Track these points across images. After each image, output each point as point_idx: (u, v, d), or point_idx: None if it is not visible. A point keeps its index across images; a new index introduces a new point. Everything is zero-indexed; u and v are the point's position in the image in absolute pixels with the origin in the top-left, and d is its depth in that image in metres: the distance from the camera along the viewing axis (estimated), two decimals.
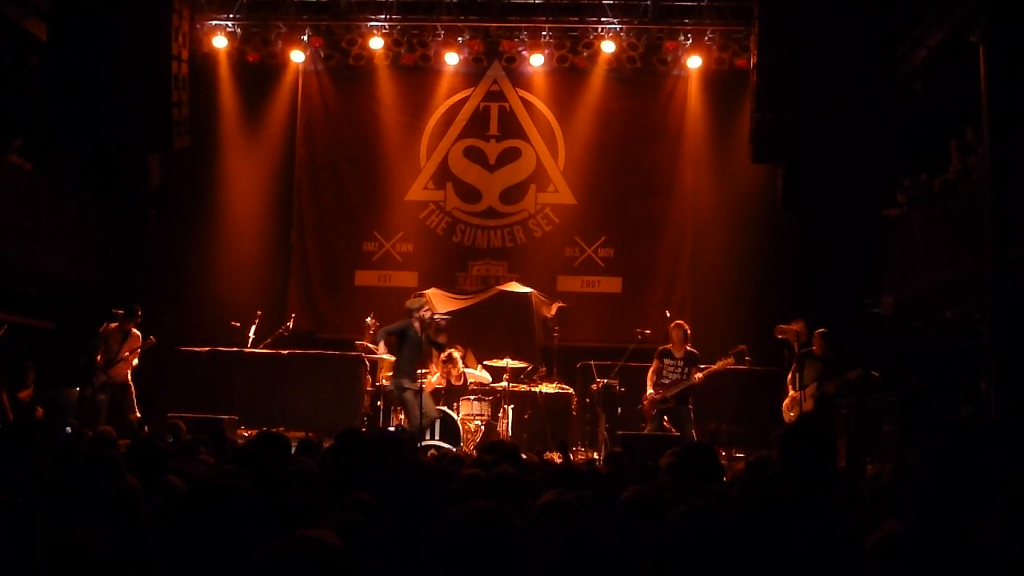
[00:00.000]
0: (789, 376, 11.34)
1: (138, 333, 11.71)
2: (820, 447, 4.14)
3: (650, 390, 11.60)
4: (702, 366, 11.50)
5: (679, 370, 11.54)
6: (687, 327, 11.80)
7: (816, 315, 11.62)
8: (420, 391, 11.15)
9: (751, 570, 3.06)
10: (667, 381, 11.52)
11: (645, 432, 11.39)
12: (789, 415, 11.24)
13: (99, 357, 11.54)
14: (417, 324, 11.07)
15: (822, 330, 11.18)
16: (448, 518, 2.45)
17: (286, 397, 13.46)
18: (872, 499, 5.17)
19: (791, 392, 11.30)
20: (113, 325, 11.66)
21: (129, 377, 11.63)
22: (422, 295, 12.51)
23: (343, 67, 15.52)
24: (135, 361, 11.70)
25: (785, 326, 11.69)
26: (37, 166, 12.50)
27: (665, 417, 11.53)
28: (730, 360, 11.50)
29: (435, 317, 11.06)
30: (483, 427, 12.05)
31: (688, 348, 11.61)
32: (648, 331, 12.65)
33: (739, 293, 14.26)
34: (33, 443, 5.81)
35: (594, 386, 12.58)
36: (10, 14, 12.72)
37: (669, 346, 11.70)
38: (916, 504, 3.33)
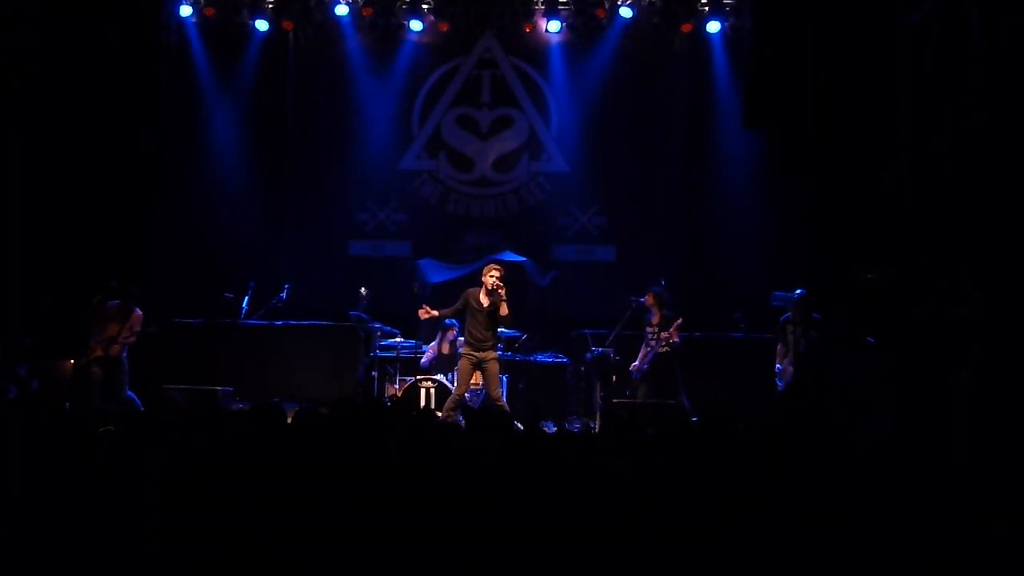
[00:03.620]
0: (779, 346, 11.33)
1: (140, 314, 11.61)
2: (814, 410, 4.16)
3: (636, 362, 11.65)
4: (672, 329, 11.43)
5: (656, 336, 11.53)
6: (663, 292, 11.78)
7: (811, 282, 11.60)
8: (478, 362, 10.85)
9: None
10: (647, 349, 11.55)
11: (637, 401, 11.41)
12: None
13: (95, 330, 11.46)
14: (481, 289, 10.77)
15: (798, 298, 11.18)
16: (440, 487, 2.45)
17: (281, 368, 13.41)
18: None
19: (780, 360, 11.25)
20: (114, 305, 11.55)
21: (124, 354, 11.56)
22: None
23: (335, 36, 15.35)
24: (133, 340, 11.62)
25: (781, 294, 11.67)
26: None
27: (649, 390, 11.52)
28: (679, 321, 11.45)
29: (498, 289, 10.74)
30: (477, 396, 12.08)
31: (664, 312, 11.57)
32: (643, 299, 12.63)
33: (734, 260, 14.24)
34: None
35: (588, 355, 12.59)
36: None
37: (649, 314, 11.71)
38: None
